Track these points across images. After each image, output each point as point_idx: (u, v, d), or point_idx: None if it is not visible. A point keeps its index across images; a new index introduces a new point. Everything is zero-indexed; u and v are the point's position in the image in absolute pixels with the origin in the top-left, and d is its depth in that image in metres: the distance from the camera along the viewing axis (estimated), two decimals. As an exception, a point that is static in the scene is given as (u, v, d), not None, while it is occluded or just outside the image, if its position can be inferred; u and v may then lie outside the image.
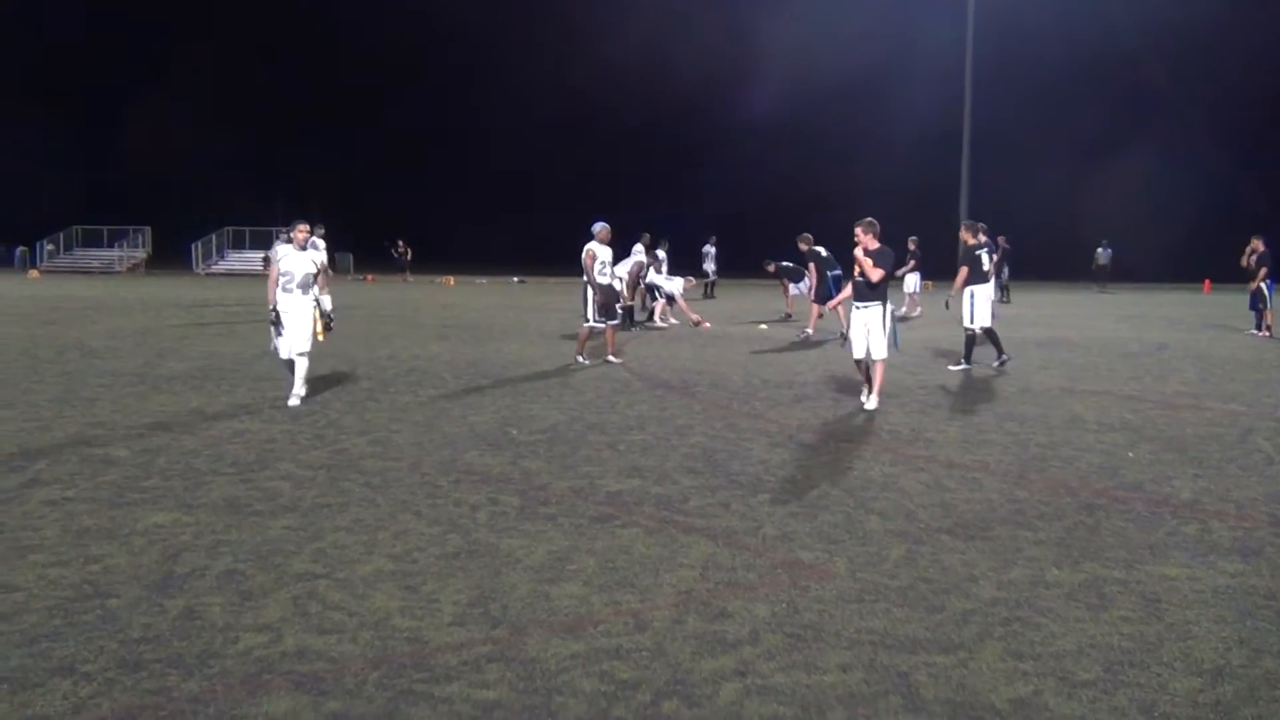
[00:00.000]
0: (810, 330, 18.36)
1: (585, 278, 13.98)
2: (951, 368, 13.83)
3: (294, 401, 10.24)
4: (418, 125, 69.57)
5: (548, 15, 67.06)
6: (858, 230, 10.36)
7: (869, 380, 10.54)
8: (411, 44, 67.37)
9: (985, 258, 13.80)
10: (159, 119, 60.61)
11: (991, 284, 14.01)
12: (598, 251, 13.91)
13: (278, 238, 22.99)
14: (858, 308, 10.43)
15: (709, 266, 32.72)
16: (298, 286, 10.31)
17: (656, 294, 21.22)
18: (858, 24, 54.72)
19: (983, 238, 13.88)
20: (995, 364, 13.80)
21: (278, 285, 10.28)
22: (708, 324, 20.88)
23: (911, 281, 24.67)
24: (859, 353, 10.45)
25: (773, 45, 56.97)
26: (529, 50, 68.00)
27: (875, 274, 10.17)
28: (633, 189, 59.55)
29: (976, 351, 13.85)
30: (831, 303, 14.41)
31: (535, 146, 67.41)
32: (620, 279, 19.86)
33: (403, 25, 66.89)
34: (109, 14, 65.00)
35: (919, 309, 24.24)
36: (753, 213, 53.20)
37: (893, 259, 10.41)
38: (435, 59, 68.30)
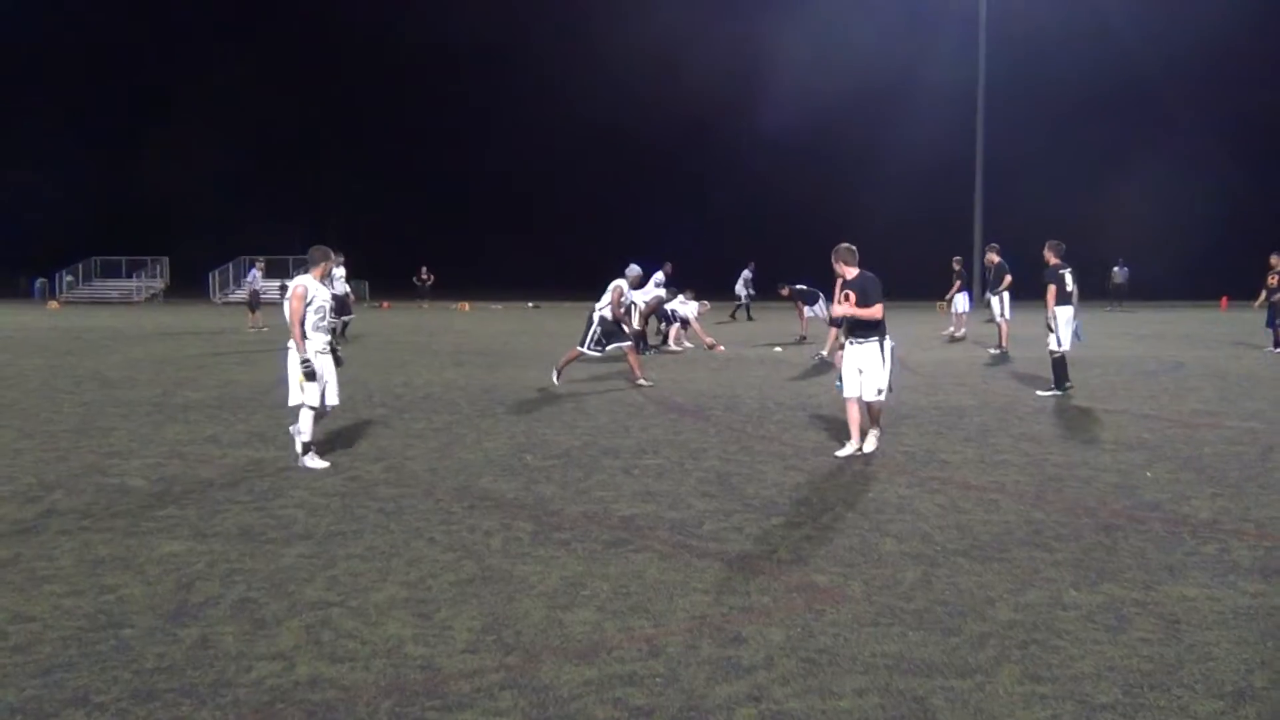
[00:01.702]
0: (825, 353, 18.32)
1: (599, 308, 14.09)
2: (1041, 393, 13.31)
3: (318, 463, 8.68)
4: (433, 152, 70.00)
5: (564, 40, 67.60)
6: (834, 259, 9.29)
7: (858, 425, 9.21)
8: (427, 71, 67.83)
9: (1069, 277, 13.32)
10: (176, 149, 61.22)
11: (1072, 307, 13.37)
12: (626, 292, 14.28)
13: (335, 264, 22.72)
14: (851, 343, 9.15)
15: (741, 290, 32.64)
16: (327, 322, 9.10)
17: (672, 317, 21.25)
18: (870, 46, 54.90)
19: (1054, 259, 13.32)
20: (1051, 393, 13.22)
21: (304, 324, 8.73)
22: (722, 347, 20.86)
23: (961, 301, 24.63)
24: (850, 392, 9.11)
25: (787, 67, 57.10)
26: (543, 75, 68.35)
27: (866, 312, 8.89)
28: (649, 214, 59.74)
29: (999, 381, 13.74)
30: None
31: (549, 171, 67.85)
32: (637, 306, 19.97)
33: (418, 52, 67.38)
34: (127, 46, 65.82)
35: (964, 329, 24.20)
36: (769, 237, 53.21)
37: (878, 285, 9.02)
38: (451, 85, 68.80)
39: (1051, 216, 48.10)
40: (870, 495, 7.60)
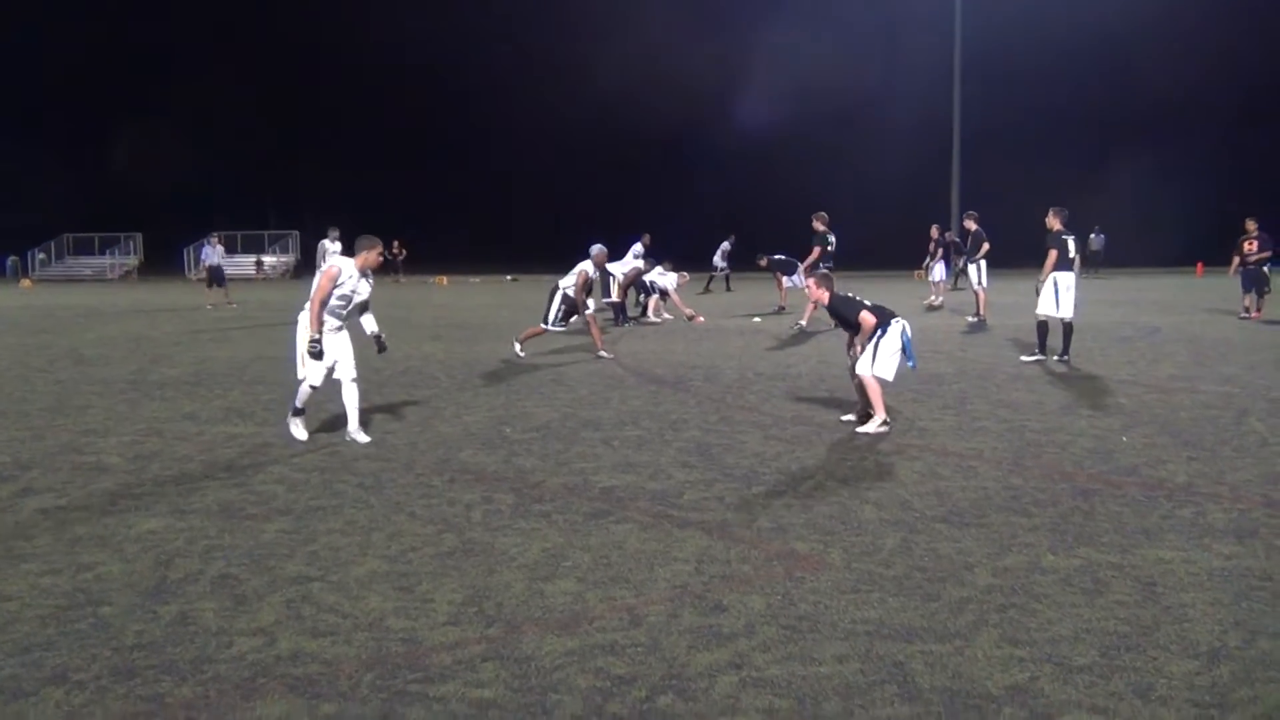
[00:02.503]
0: (803, 323, 18.35)
1: (563, 285, 14.13)
2: (1025, 359, 13.44)
3: (363, 437, 8.59)
4: (408, 126, 69.50)
5: (544, 21, 67.08)
6: (810, 282, 9.52)
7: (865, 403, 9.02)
8: (400, 46, 67.25)
9: (1071, 244, 13.35)
10: (148, 125, 60.52)
11: (1073, 274, 13.39)
12: (591, 275, 14.25)
13: (330, 239, 21.97)
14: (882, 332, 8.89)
15: (719, 262, 32.54)
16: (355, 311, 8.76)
17: (651, 288, 21.22)
18: (849, 35, 54.82)
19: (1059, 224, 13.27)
20: (1034, 358, 13.37)
21: (323, 308, 8.30)
22: (701, 318, 20.87)
23: (939, 270, 24.75)
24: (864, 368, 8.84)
25: (768, 53, 57.07)
26: (520, 52, 67.92)
27: (869, 323, 8.76)
28: (626, 188, 59.64)
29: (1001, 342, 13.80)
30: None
31: (527, 146, 67.47)
32: (615, 278, 19.95)
33: (392, 29, 66.80)
34: (99, 23, 64.72)
35: (942, 298, 24.32)
36: (746, 212, 53.18)
37: (849, 301, 9.01)
38: (424, 60, 68.17)
39: (1027, 185, 48.33)
40: (849, 463, 7.63)
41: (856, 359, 8.90)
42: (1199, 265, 41.40)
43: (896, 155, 53.28)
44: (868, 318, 8.77)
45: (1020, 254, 26.73)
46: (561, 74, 65.35)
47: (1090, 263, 41.58)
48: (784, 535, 5.81)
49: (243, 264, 54.29)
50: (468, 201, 67.47)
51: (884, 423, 8.75)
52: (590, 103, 63.56)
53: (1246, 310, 20.04)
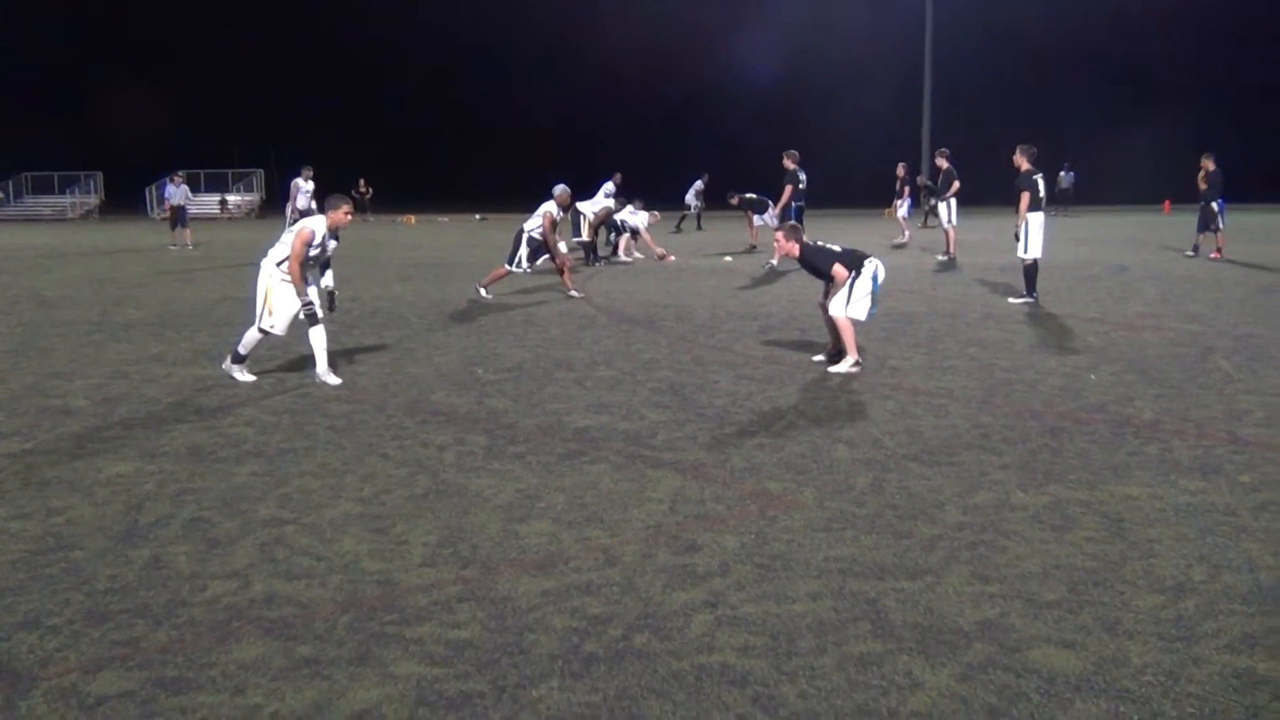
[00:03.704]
0: (775, 262, 18.33)
1: (528, 228, 14.03)
2: (1013, 301, 13.22)
3: (333, 378, 8.50)
4: (373, 61, 68.26)
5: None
6: (778, 237, 9.43)
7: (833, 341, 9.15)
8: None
9: (1041, 183, 12.91)
10: (108, 63, 59.15)
11: (1043, 214, 12.91)
12: (556, 216, 14.09)
13: (303, 177, 21.19)
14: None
15: (691, 200, 32.27)
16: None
17: (621, 227, 21.09)
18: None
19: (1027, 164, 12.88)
20: (1024, 300, 13.07)
21: (304, 269, 8.35)
22: (672, 257, 20.79)
23: (905, 208, 24.81)
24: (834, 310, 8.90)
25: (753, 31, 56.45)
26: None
27: (841, 275, 8.73)
28: (601, 126, 59.02)
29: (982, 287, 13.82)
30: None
31: (496, 79, 66.50)
32: (586, 217, 19.82)
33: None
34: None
35: (908, 234, 24.36)
36: (722, 148, 52.87)
37: (822, 250, 8.96)
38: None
39: (997, 122, 48.28)
40: (821, 403, 7.66)
41: (830, 300, 8.90)
42: (1166, 203, 41.58)
43: (870, 96, 53.02)
44: (840, 271, 8.73)
45: (990, 193, 26.81)
46: (546, 16, 64.36)
47: (1059, 200, 41.67)
48: (757, 475, 5.84)
49: (207, 203, 53.39)
50: (436, 137, 66.59)
51: (856, 363, 8.79)
52: (559, 35, 62.73)
53: (1195, 249, 20.00)
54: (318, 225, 8.45)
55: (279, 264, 8.46)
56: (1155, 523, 4.95)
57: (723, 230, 30.60)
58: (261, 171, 57.55)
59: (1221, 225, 19.57)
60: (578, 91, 64.96)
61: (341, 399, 7.92)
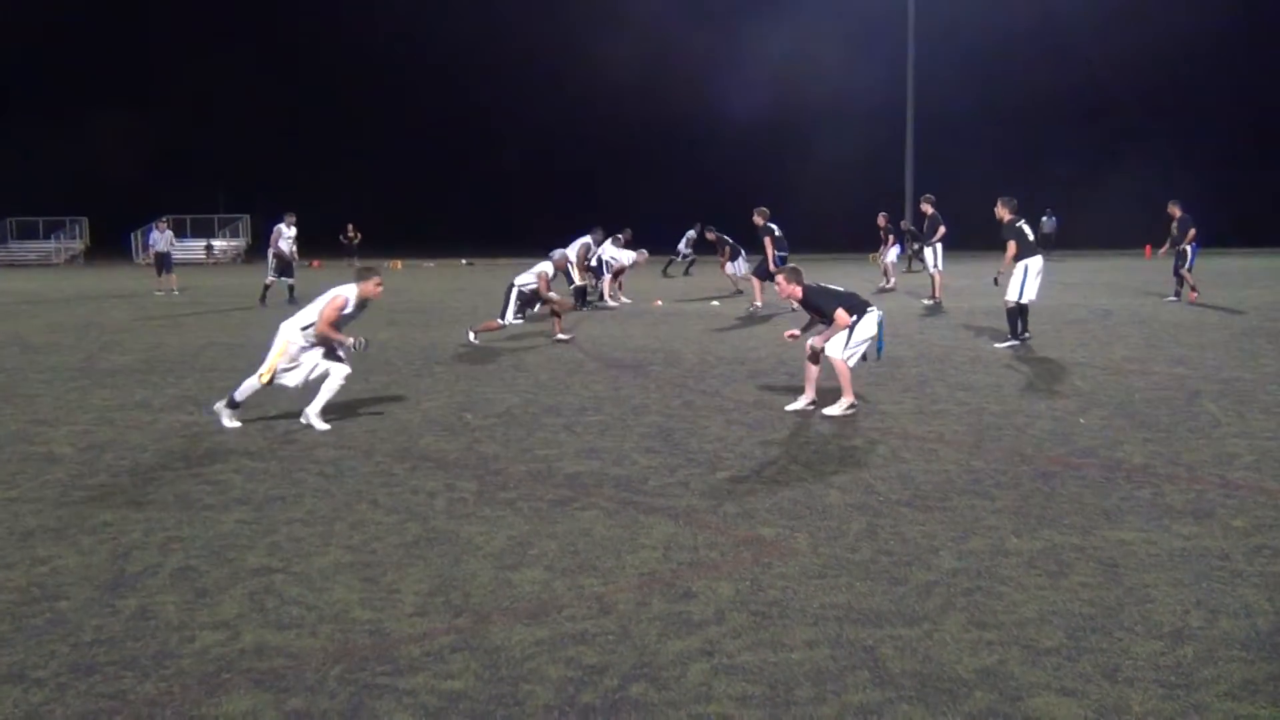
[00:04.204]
0: (759, 304, 18.39)
1: (518, 283, 14.22)
2: (999, 345, 13.17)
3: (321, 424, 8.46)
4: (363, 107, 68.65)
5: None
6: (779, 280, 9.34)
7: (813, 380, 9.15)
8: (354, 27, 66.39)
9: (1027, 228, 13.45)
10: (96, 110, 59.31)
11: (1040, 256, 13.47)
12: (550, 276, 14.42)
13: (285, 224, 21.42)
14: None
15: (683, 248, 32.19)
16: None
17: (605, 269, 21.07)
18: (810, 28, 54.94)
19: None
20: (1009, 344, 13.12)
21: (334, 329, 8.54)
22: (659, 301, 20.84)
23: (892, 254, 24.91)
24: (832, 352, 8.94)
25: (737, 45, 57.15)
26: (478, 33, 67.19)
27: (844, 320, 8.81)
28: (586, 173, 59.38)
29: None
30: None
31: (487, 126, 66.96)
32: (574, 264, 19.85)
33: (344, 9, 65.93)
34: (47, 9, 63.06)
35: (894, 280, 24.46)
36: (712, 198, 53.27)
37: (826, 292, 9.12)
38: (378, 40, 67.43)
39: (982, 168, 48.82)
40: (813, 448, 7.65)
41: (825, 343, 8.89)
42: (1147, 248, 41.97)
43: (853, 142, 53.53)
44: (843, 316, 8.78)
45: (975, 239, 26.98)
46: (528, 58, 64.99)
47: (1042, 245, 42.04)
48: (750, 520, 5.81)
49: (192, 248, 53.40)
50: (422, 183, 66.82)
51: (850, 405, 8.79)
52: (546, 82, 63.33)
53: (1177, 295, 20.10)
54: (350, 294, 8.58)
55: (304, 328, 8.57)
56: (1150, 568, 4.94)
57: (712, 276, 30.70)
58: (248, 217, 57.60)
59: (1189, 266, 19.70)
60: (564, 137, 65.48)
61: (329, 445, 7.87)
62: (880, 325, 8.96)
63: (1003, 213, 13.36)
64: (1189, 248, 19.68)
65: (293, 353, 8.55)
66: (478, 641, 4.17)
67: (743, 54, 58.66)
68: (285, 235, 21.86)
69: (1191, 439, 7.73)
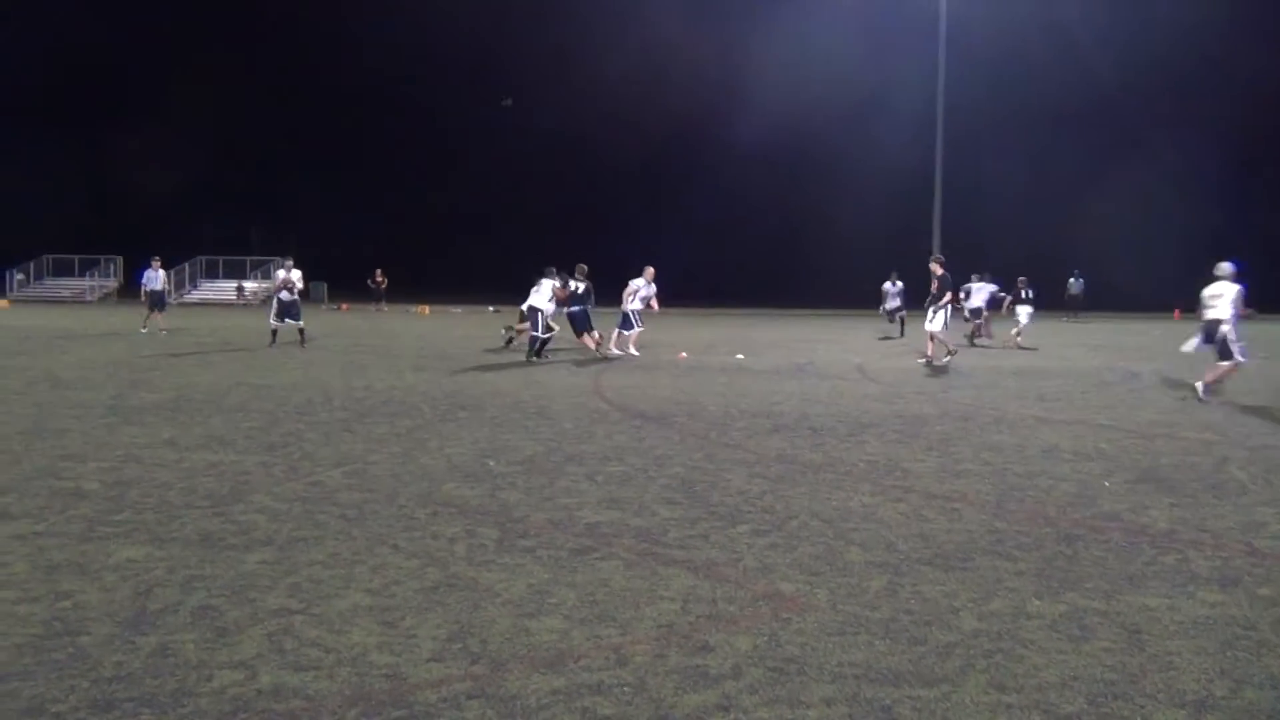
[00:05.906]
0: (741, 356, 18.38)
1: (541, 310, 15.27)
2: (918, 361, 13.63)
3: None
4: (393, 152, 69.63)
5: (535, 49, 67.57)
6: (933, 265, 15.66)
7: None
8: (387, 72, 67.47)
9: (948, 280, 19.28)
10: (132, 148, 60.40)
11: (1030, 307, 19.46)
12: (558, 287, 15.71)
13: (284, 269, 21.75)
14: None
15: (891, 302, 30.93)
16: None
17: (628, 320, 20.90)
18: (835, 61, 55.30)
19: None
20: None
21: None
22: (684, 354, 20.88)
23: (1024, 313, 24.72)
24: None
25: (757, 83, 57.52)
26: (504, 79, 68.28)
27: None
28: (610, 218, 59.81)
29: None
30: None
31: (513, 174, 67.69)
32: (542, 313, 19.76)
33: (379, 53, 67.04)
34: (89, 45, 64.55)
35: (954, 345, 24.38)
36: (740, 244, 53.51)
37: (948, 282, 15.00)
38: (410, 87, 68.44)
39: (1009, 232, 48.90)
40: (834, 504, 7.62)
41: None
42: (1176, 311, 41.78)
43: (880, 206, 53.80)
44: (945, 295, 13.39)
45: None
46: (550, 97, 65.84)
47: (1069, 306, 41.94)
48: (769, 575, 5.79)
49: (224, 289, 54.13)
50: (451, 229, 67.50)
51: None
52: (576, 127, 64.01)
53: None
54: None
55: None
56: (1174, 635, 4.88)
57: (737, 329, 30.75)
58: (278, 259, 58.35)
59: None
60: (587, 187, 66.05)
61: (352, 488, 7.91)
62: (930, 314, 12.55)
63: (936, 268, 19.17)
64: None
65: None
66: (494, 689, 4.17)
67: (769, 94, 58.89)
68: (283, 278, 22.17)
69: (1218, 505, 7.65)
